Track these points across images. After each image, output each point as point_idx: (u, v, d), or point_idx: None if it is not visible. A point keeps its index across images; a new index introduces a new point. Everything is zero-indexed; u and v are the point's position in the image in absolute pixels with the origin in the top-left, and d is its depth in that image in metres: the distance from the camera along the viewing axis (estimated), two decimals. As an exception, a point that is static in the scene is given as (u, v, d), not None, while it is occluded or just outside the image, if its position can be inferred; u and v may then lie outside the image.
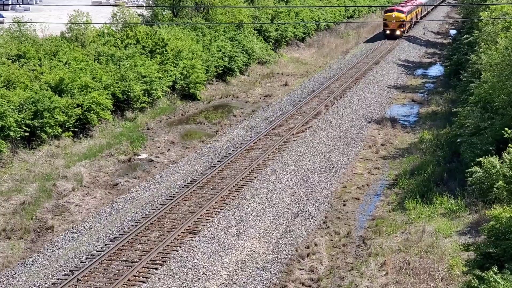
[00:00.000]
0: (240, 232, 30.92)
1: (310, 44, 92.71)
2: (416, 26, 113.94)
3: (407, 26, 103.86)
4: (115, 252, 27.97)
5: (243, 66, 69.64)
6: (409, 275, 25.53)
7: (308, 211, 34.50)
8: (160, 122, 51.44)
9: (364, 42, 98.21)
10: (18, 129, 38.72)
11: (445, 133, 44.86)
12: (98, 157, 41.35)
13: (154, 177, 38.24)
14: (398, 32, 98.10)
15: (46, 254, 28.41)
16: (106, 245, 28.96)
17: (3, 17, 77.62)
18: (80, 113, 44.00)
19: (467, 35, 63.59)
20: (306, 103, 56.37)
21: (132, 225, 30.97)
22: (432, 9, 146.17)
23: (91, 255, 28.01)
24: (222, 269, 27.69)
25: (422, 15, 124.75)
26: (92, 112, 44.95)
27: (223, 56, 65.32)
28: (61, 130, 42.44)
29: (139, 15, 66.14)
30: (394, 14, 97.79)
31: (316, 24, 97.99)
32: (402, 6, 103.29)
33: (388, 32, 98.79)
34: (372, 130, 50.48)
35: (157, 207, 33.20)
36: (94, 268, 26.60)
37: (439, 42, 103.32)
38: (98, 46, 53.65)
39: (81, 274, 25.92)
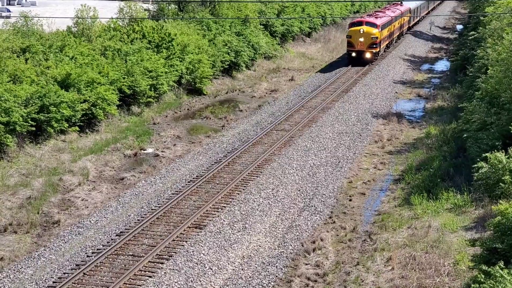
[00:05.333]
0: (246, 227, 30.95)
1: (316, 39, 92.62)
2: (421, 22, 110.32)
3: (383, 45, 76.97)
4: (121, 247, 28.02)
5: (249, 61, 69.64)
6: (415, 270, 25.53)
7: (314, 206, 34.51)
8: (166, 116, 51.48)
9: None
10: (25, 124, 38.79)
11: (451, 128, 44.80)
12: (104, 152, 41.42)
13: (160, 171, 38.30)
14: (368, 55, 71.95)
15: (52, 249, 28.48)
16: (112, 239, 29.02)
17: (10, 11, 77.77)
18: (87, 108, 44.07)
19: (473, 32, 63.44)
20: (312, 98, 56.33)
21: (138, 220, 31.01)
22: (427, 13, 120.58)
23: (97, 249, 28.07)
24: (228, 263, 27.72)
25: (411, 24, 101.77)
26: (98, 107, 45.02)
27: (229, 51, 65.31)
28: (67, 125, 42.53)
29: (145, 9, 66.19)
30: (363, 29, 71.81)
31: (322, 19, 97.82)
32: (376, 17, 77.07)
33: (353, 54, 72.33)
34: (378, 125, 50.44)
35: (163, 201, 33.24)
36: (100, 262, 26.66)
37: (446, 37, 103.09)
38: (105, 40, 53.70)
39: (87, 268, 25.98)
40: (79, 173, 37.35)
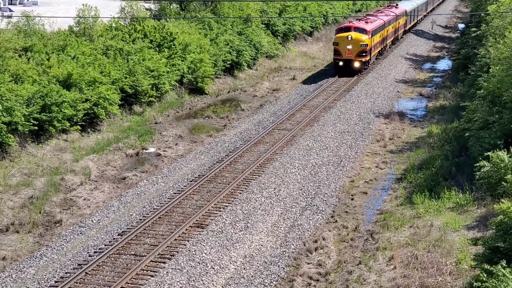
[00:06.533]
0: (248, 226, 30.94)
1: (318, 38, 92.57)
2: (419, 25, 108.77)
3: (374, 53, 70.16)
4: (123, 246, 28.02)
5: (251, 60, 69.62)
6: (417, 269, 25.52)
7: (316, 205, 34.50)
8: (168, 116, 51.49)
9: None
10: (27, 123, 38.84)
11: (453, 127, 44.79)
12: (106, 151, 41.43)
13: (162, 171, 38.29)
14: (356, 64, 65.12)
15: (54, 248, 28.49)
16: (114, 239, 29.02)
17: (12, 11, 77.83)
18: (88, 107, 44.10)
19: (475, 29, 63.38)
20: (314, 97, 56.31)
21: (140, 219, 31.01)
22: (426, 14, 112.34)
23: (99, 249, 28.08)
24: (230, 263, 27.72)
25: (408, 27, 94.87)
26: (100, 106, 45.05)
27: (231, 50, 65.31)
28: (69, 124, 42.57)
29: (146, 9, 66.23)
30: (351, 35, 64.79)
31: (324, 18, 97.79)
32: (366, 22, 69.71)
33: (340, 63, 65.33)
34: (380, 124, 50.41)
35: (165, 201, 33.24)
36: (102, 262, 26.66)
37: (447, 36, 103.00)
38: (106, 40, 53.72)
39: (89, 268, 25.99)
40: (81, 173, 37.37)
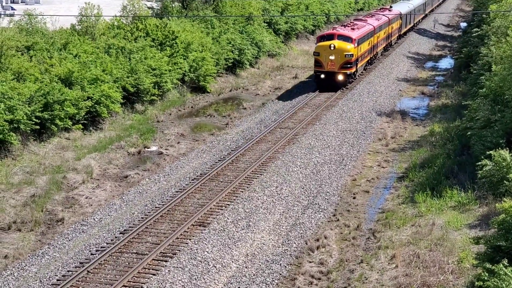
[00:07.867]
0: (250, 225, 30.94)
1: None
2: (425, 19, 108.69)
3: (360, 64, 62.37)
4: (125, 245, 28.03)
5: (253, 58, 69.61)
6: (418, 268, 25.50)
7: (318, 203, 34.48)
8: (170, 114, 51.50)
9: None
10: (28, 122, 38.84)
11: (455, 126, 44.74)
12: (108, 150, 41.45)
13: (164, 169, 38.30)
14: (340, 77, 57.41)
15: (56, 246, 28.51)
16: (116, 237, 29.03)
17: (14, 9, 77.93)
18: (90, 105, 44.11)
19: (477, 29, 63.32)
20: (315, 95, 56.25)
21: (142, 218, 31.02)
22: (424, 16, 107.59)
23: (101, 247, 28.08)
24: (232, 261, 27.72)
25: (402, 31, 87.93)
26: (102, 104, 45.06)
27: (233, 49, 65.29)
28: (71, 123, 42.57)
29: (148, 7, 66.26)
30: (334, 44, 57.17)
31: (326, 17, 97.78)
32: (352, 29, 61.87)
33: (322, 76, 57.72)
34: (382, 123, 50.37)
35: (167, 199, 33.24)
36: (104, 260, 26.67)
37: (449, 35, 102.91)
38: (108, 38, 53.74)
39: (91, 266, 26.00)
40: (83, 171, 37.39)
